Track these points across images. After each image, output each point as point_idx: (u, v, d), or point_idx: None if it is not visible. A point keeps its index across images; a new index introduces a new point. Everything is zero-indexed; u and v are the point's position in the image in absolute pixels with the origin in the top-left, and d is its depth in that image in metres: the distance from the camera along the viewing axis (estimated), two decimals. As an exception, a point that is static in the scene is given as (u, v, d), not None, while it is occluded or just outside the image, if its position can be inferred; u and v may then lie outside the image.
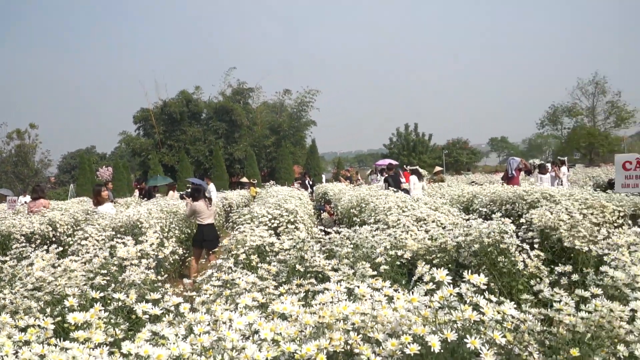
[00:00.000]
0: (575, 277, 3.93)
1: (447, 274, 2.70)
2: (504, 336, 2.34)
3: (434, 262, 4.90)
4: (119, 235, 6.38)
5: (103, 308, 2.89)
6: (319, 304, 2.66)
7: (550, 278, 4.51)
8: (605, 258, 4.10)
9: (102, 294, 3.58)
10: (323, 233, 6.04)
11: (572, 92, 62.26)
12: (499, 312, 2.51)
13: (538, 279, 4.68)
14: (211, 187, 17.25)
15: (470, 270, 4.93)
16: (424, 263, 4.23)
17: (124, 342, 2.46)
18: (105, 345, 2.54)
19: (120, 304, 3.30)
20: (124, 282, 4.40)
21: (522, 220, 6.70)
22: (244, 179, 32.45)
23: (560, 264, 4.10)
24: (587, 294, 2.80)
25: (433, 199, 10.84)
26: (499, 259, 4.69)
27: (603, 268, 3.35)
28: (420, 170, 17.45)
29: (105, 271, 4.67)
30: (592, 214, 6.30)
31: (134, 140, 47.19)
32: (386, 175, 16.40)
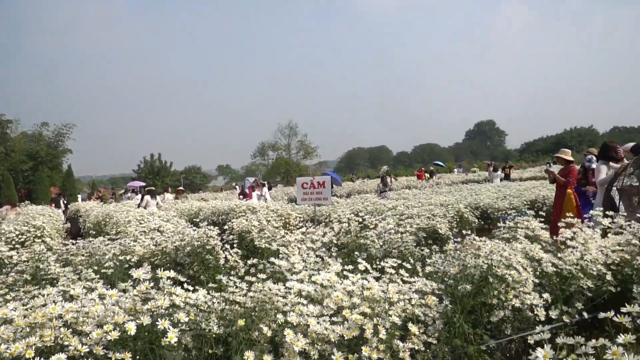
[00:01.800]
0: (260, 266, 4.11)
1: (166, 272, 2.61)
2: (189, 316, 2.33)
3: (156, 263, 4.72)
4: None
5: None
6: (32, 307, 2.35)
7: (245, 268, 4.66)
8: (280, 251, 4.37)
9: None
10: (63, 245, 5.43)
11: (275, 133, 67.25)
12: (191, 298, 2.50)
13: (236, 270, 4.79)
14: None
15: (185, 267, 4.86)
16: (146, 264, 4.03)
17: None
18: None
19: None
20: None
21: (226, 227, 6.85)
22: None
23: (252, 258, 4.26)
24: (253, 279, 2.93)
25: (166, 213, 10.53)
26: (206, 257, 4.71)
27: (271, 259, 3.55)
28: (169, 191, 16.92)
29: None
30: (275, 220, 6.70)
31: None
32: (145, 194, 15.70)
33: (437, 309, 3.05)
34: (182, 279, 2.73)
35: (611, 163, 6.37)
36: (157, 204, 13.22)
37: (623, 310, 1.93)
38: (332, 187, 21.92)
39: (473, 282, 3.18)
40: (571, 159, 7.77)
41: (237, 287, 2.75)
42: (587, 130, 79.75)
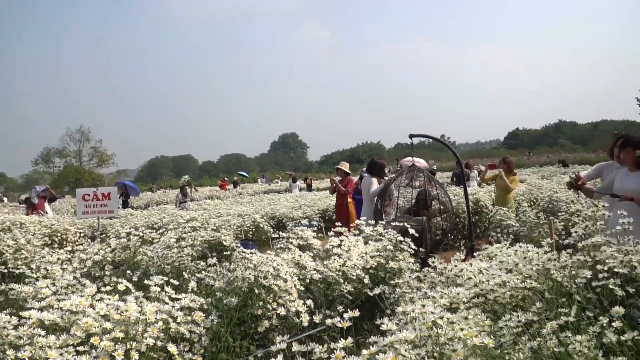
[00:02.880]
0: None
1: None
2: None
3: None
4: None
5: None
6: None
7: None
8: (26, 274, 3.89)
9: None
10: None
11: (62, 137, 60.86)
12: None
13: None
14: None
15: None
16: None
17: None
18: None
19: None
20: None
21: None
22: None
23: (2, 284, 3.70)
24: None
25: None
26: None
27: (12, 284, 3.13)
28: None
29: None
30: (38, 238, 6.00)
31: None
32: None
33: (205, 325, 3.02)
34: None
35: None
36: None
37: (345, 315, 2.14)
38: (128, 197, 20.61)
39: (240, 294, 3.22)
40: (349, 171, 8.57)
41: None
42: (376, 145, 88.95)
